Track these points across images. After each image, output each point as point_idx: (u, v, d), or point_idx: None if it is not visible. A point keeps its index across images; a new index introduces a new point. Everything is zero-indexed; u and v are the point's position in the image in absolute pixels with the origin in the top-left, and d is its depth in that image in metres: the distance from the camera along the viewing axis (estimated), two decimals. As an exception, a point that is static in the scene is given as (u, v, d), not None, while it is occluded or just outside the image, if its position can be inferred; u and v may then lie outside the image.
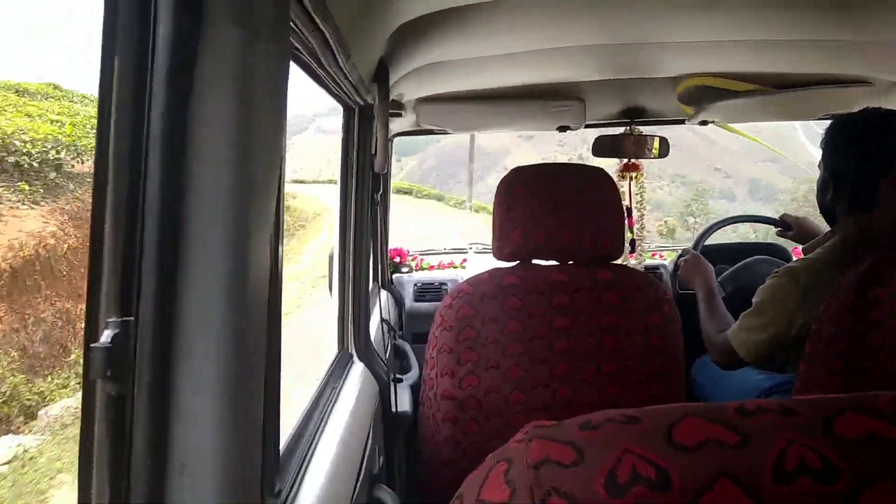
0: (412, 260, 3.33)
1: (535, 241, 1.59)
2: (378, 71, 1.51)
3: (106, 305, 0.48)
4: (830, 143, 1.59)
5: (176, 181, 0.49)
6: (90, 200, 0.49)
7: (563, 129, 2.64)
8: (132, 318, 0.48)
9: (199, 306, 0.51)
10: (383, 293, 2.64)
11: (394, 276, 3.14)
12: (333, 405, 1.34)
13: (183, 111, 0.48)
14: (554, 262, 1.66)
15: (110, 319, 0.48)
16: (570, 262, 1.65)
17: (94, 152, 0.50)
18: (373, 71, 1.48)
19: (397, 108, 2.25)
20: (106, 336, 0.47)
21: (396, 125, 2.56)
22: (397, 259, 3.25)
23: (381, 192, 1.84)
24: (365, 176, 1.71)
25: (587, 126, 2.71)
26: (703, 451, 0.40)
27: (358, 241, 1.71)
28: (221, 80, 0.51)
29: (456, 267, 3.42)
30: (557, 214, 1.58)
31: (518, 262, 1.65)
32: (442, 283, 3.07)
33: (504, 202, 1.61)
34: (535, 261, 1.67)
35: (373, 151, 1.72)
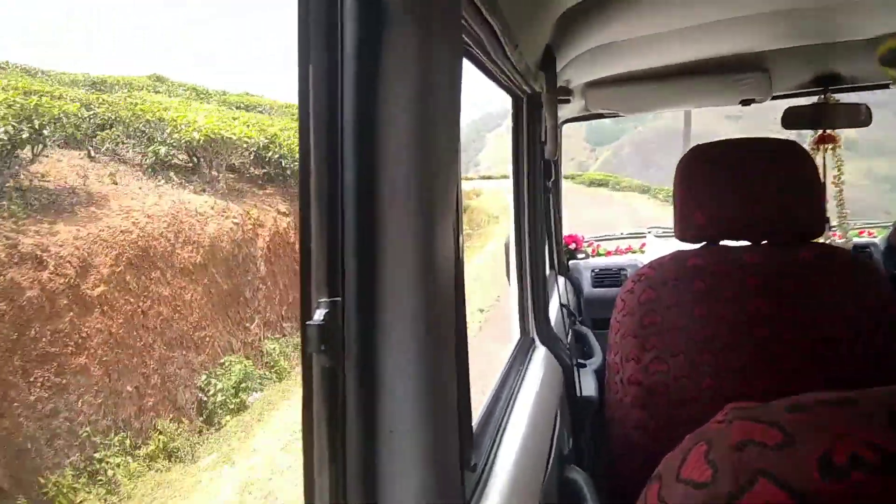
0: (588, 246, 3.29)
1: (721, 220, 1.48)
2: (544, 58, 1.52)
3: (317, 287, 0.56)
4: None
5: (368, 175, 0.55)
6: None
7: (746, 102, 2.44)
8: (339, 298, 0.55)
9: (394, 286, 0.57)
10: (560, 279, 2.64)
11: (570, 262, 3.12)
12: (519, 388, 1.38)
13: (372, 110, 0.55)
14: (745, 243, 1.54)
15: (321, 300, 0.55)
16: (764, 242, 1.52)
17: (297, 153, 0.57)
18: (539, 58, 1.49)
19: (565, 94, 2.23)
20: (318, 314, 0.55)
21: (565, 111, 2.55)
22: (573, 245, 3.23)
23: (552, 179, 1.84)
24: (536, 164, 1.73)
25: (774, 98, 2.49)
26: None
27: (533, 228, 1.74)
28: (403, 78, 0.56)
29: (634, 252, 3.32)
30: (745, 191, 1.45)
31: (703, 243, 1.57)
32: (620, 269, 3.00)
33: (684, 181, 1.52)
34: (723, 242, 1.57)
35: (542, 139, 1.74)
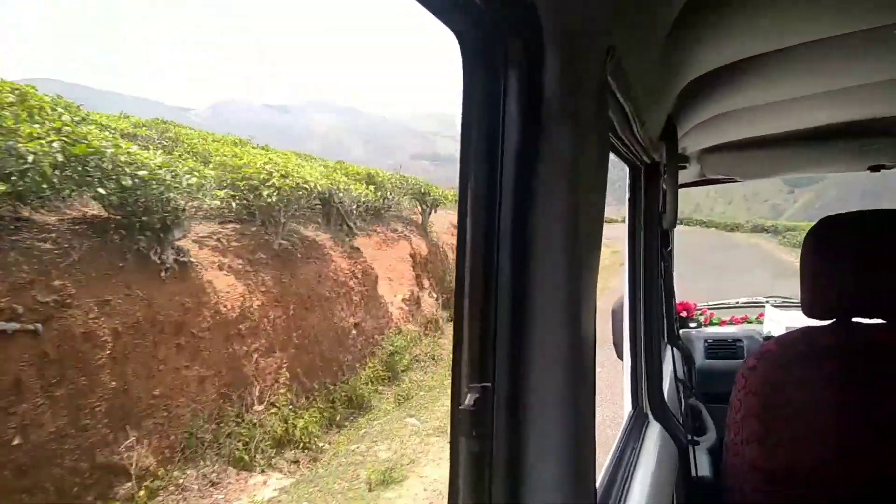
0: (700, 314, 3.15)
1: (856, 296, 1.38)
2: (666, 128, 1.52)
3: (468, 373, 0.58)
4: None
5: (522, 265, 0.57)
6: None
7: (875, 168, 2.31)
8: (490, 384, 0.57)
9: (543, 371, 0.58)
10: (672, 350, 2.54)
11: (681, 331, 2.99)
12: (635, 467, 1.33)
13: (528, 204, 0.58)
14: (880, 321, 1.43)
15: (472, 385, 0.57)
16: None
17: (456, 244, 0.61)
18: (661, 130, 1.49)
19: (682, 160, 2.20)
20: (469, 399, 0.57)
21: (680, 177, 2.51)
22: (684, 313, 3.10)
23: (669, 248, 1.80)
24: (653, 232, 1.70)
25: None
26: None
27: (648, 296, 1.70)
28: (558, 176, 0.59)
29: (751, 322, 3.13)
30: (879, 266, 1.36)
31: (833, 320, 1.46)
32: (736, 340, 2.84)
33: (815, 253, 1.44)
34: (855, 319, 1.45)
35: (661, 208, 1.72)
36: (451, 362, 0.60)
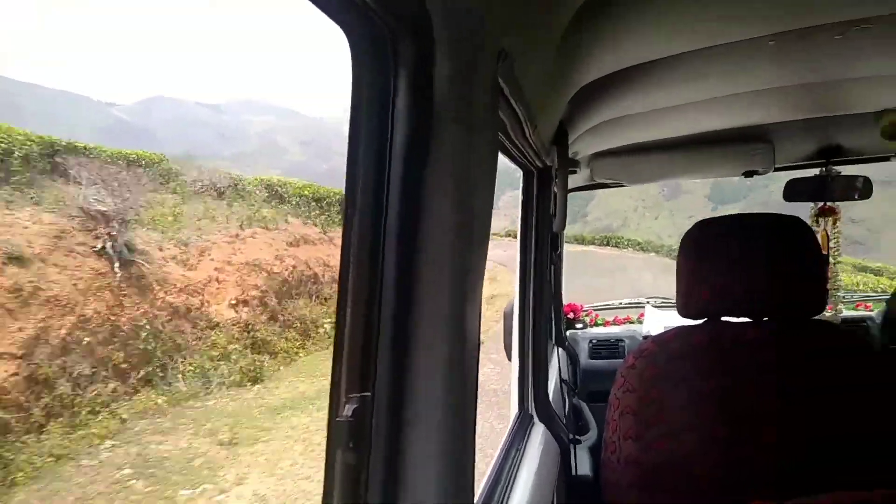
0: (586, 315, 3.27)
1: (725, 297, 1.46)
2: (557, 134, 1.54)
3: (347, 382, 0.54)
4: None
5: (407, 269, 0.54)
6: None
7: (749, 174, 2.49)
8: (369, 394, 0.53)
9: (425, 382, 0.55)
10: (558, 350, 2.61)
11: (568, 332, 3.09)
12: (518, 468, 1.34)
13: (416, 205, 0.55)
14: (746, 319, 1.53)
15: (351, 395, 0.54)
16: (766, 319, 1.51)
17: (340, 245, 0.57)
18: (552, 134, 1.52)
19: (573, 164, 2.27)
20: (347, 410, 0.53)
21: (571, 181, 2.58)
22: (571, 315, 3.21)
23: (558, 250, 1.84)
24: (544, 236, 1.73)
25: (776, 169, 2.52)
26: None
27: (538, 300, 1.72)
28: (446, 178, 0.56)
29: (632, 322, 3.29)
30: (750, 268, 1.45)
31: (706, 319, 1.55)
32: (619, 340, 2.97)
33: (689, 256, 1.52)
34: (724, 318, 1.55)
35: (552, 212, 1.75)
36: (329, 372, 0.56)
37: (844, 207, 2.66)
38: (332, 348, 0.56)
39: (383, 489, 0.54)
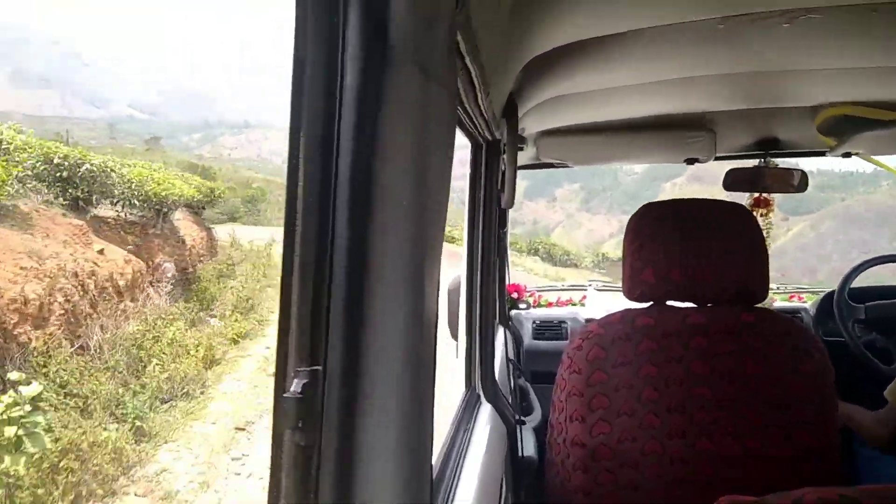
0: (529, 296, 3.28)
1: (670, 281, 1.48)
2: (507, 106, 1.51)
3: (295, 355, 0.48)
4: None
5: (359, 229, 0.48)
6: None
7: (691, 161, 2.52)
8: (320, 367, 0.47)
9: (379, 355, 0.50)
10: (502, 330, 2.61)
11: (512, 312, 3.10)
12: (467, 449, 1.31)
13: (369, 155, 0.48)
14: (690, 304, 1.56)
15: (300, 369, 0.47)
16: (709, 305, 1.54)
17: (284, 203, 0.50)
18: (503, 106, 1.48)
19: (521, 141, 2.24)
20: (296, 385, 0.47)
21: (518, 159, 2.56)
22: (515, 294, 3.21)
23: (504, 228, 1.81)
24: (492, 212, 1.70)
25: (717, 158, 2.57)
26: None
27: (485, 277, 1.70)
28: (403, 128, 0.50)
29: (574, 304, 3.33)
30: (694, 253, 1.47)
31: (651, 303, 1.57)
32: (561, 321, 2.99)
33: (634, 240, 1.52)
34: (669, 302, 1.57)
35: (500, 187, 1.72)
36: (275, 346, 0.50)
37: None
38: (277, 320, 0.49)
39: (336, 468, 0.48)
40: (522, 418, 1.84)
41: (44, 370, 6.16)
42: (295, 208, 0.48)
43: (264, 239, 15.23)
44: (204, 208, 15.08)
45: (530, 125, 2.10)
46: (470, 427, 1.44)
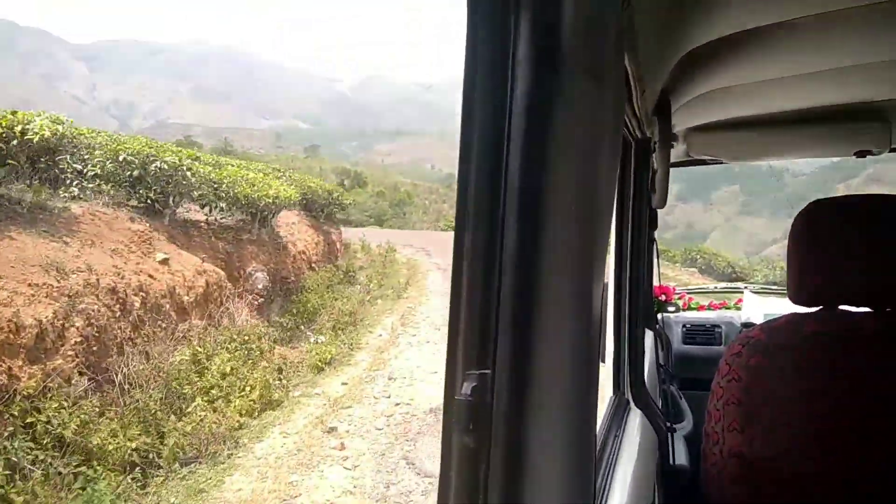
0: (678, 298, 3.13)
1: (843, 283, 1.33)
2: (660, 103, 1.46)
3: (465, 358, 0.50)
4: None
5: (529, 235, 0.49)
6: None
7: (861, 154, 2.28)
8: (489, 371, 0.49)
9: (548, 361, 0.51)
10: (650, 334, 2.51)
11: (659, 315, 2.98)
12: (617, 456, 1.29)
13: (540, 163, 0.49)
14: (867, 309, 1.39)
15: (469, 372, 0.49)
16: (889, 310, 1.37)
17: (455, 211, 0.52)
18: (655, 103, 1.44)
19: (673, 138, 2.16)
20: (465, 388, 0.49)
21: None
22: (662, 297, 3.08)
23: (655, 228, 1.76)
24: (642, 212, 1.65)
25: (892, 150, 2.30)
26: None
27: (634, 280, 1.65)
28: (571, 127, 0.51)
29: (729, 308, 3.13)
30: (870, 253, 1.32)
31: (820, 307, 1.43)
32: (714, 325, 2.83)
33: (802, 239, 1.40)
34: (842, 306, 1.42)
35: (650, 187, 1.67)
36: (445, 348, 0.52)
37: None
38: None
39: (505, 472, 0.49)
40: (673, 426, 1.77)
41: (28, 419, 4.87)
42: (465, 215, 0.50)
43: (398, 242, 14.76)
44: (323, 211, 14.73)
45: (680, 121, 2.02)
46: (620, 433, 1.41)
